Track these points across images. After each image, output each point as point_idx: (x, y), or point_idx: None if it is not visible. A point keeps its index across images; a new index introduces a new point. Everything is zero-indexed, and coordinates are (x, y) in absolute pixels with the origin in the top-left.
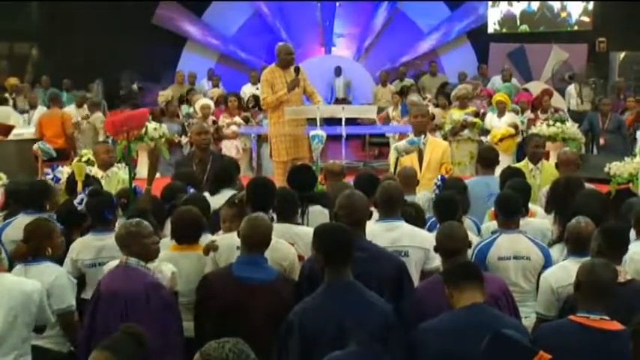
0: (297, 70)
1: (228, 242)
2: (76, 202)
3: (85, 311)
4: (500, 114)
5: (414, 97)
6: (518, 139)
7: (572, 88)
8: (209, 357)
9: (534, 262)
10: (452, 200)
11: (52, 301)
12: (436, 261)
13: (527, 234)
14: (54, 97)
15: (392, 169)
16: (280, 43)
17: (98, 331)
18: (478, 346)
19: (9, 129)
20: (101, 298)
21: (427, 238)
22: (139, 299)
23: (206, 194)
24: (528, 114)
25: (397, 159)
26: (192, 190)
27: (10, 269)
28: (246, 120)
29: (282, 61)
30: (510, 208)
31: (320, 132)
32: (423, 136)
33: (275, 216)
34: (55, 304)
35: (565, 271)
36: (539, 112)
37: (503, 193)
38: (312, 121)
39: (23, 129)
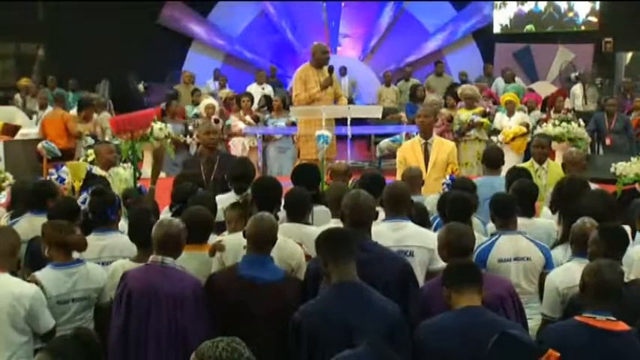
0: (330, 69)
1: (235, 242)
2: (79, 201)
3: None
4: (510, 114)
5: (432, 97)
6: (529, 138)
7: (577, 88)
8: (203, 356)
9: (535, 263)
10: (468, 201)
11: (103, 296)
12: (441, 261)
13: (527, 234)
14: (58, 98)
15: (398, 170)
16: (315, 43)
17: (133, 331)
18: (471, 348)
19: (15, 129)
20: (135, 297)
21: (433, 238)
22: (188, 299)
23: (232, 193)
24: (537, 113)
25: (380, 159)
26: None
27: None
28: (257, 120)
29: (317, 60)
30: (505, 210)
31: (326, 132)
32: (404, 133)
33: (283, 215)
34: (104, 298)
35: (570, 272)
36: (552, 112)
37: (496, 195)
38: (338, 121)
39: (30, 129)
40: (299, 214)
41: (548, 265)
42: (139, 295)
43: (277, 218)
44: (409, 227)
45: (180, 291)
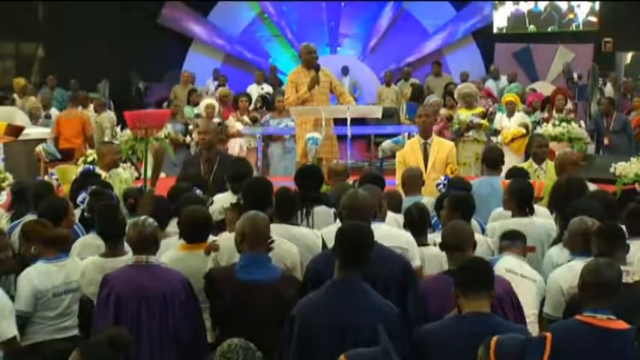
0: (317, 68)
1: (229, 242)
2: (78, 200)
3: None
4: (510, 114)
5: (434, 98)
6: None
7: (608, 88)
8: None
9: (539, 286)
10: (471, 200)
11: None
12: (416, 260)
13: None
14: (73, 98)
15: (398, 170)
16: (302, 44)
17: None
18: (473, 355)
19: (19, 130)
20: (124, 300)
21: (405, 237)
22: (179, 295)
23: (229, 193)
24: (539, 113)
25: (382, 159)
26: (198, 191)
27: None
28: (254, 120)
29: (305, 62)
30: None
31: (316, 134)
32: (407, 134)
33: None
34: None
35: (574, 271)
36: (554, 112)
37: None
38: (338, 121)
39: (30, 129)
40: (286, 214)
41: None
42: (128, 297)
43: (271, 220)
44: (381, 228)
45: (170, 288)
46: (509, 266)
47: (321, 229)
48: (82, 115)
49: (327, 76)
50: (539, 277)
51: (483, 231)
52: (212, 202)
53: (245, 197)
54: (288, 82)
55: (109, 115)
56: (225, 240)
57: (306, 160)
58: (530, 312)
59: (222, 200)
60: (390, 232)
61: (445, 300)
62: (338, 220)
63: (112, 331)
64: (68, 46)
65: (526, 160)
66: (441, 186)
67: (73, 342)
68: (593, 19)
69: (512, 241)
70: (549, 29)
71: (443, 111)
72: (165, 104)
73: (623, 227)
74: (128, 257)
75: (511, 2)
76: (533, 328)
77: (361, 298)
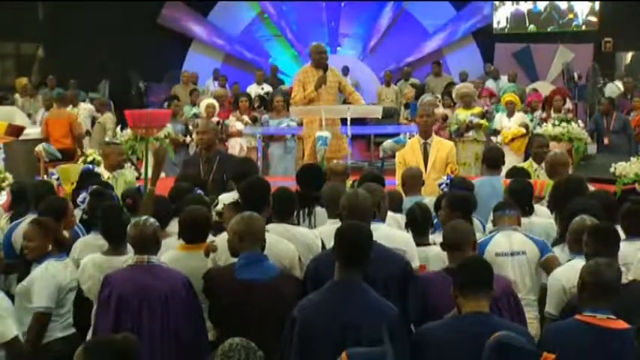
0: (324, 68)
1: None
2: (78, 200)
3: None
4: (510, 114)
5: (428, 97)
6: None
7: (612, 87)
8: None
9: (529, 257)
10: (469, 199)
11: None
12: (415, 261)
13: (522, 230)
14: (60, 98)
15: (398, 170)
16: (313, 43)
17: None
18: (472, 356)
19: (20, 130)
20: (126, 300)
21: (405, 238)
22: (180, 295)
23: (234, 193)
24: (539, 113)
25: (383, 159)
26: (199, 191)
27: (28, 270)
28: (254, 120)
29: (314, 61)
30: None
31: (325, 133)
32: (408, 134)
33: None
34: None
35: (575, 270)
36: (552, 112)
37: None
38: (345, 121)
39: (30, 129)
40: (285, 214)
41: (544, 253)
42: (130, 297)
43: (270, 220)
44: (381, 229)
45: (171, 288)
46: (497, 249)
47: (317, 228)
48: (70, 115)
49: (336, 76)
50: (531, 244)
51: (485, 230)
52: (217, 203)
53: (242, 198)
54: (296, 81)
55: (110, 115)
56: (224, 240)
57: (314, 160)
58: (526, 290)
59: (227, 200)
60: (389, 233)
61: (444, 297)
62: (329, 219)
63: (119, 337)
64: (68, 46)
65: (526, 160)
66: (444, 185)
67: (69, 342)
68: (593, 19)
69: (504, 210)
70: (549, 29)
71: (439, 110)
72: (165, 104)
73: (617, 227)
74: (128, 257)
75: (511, 2)
76: (529, 314)
77: (361, 298)
